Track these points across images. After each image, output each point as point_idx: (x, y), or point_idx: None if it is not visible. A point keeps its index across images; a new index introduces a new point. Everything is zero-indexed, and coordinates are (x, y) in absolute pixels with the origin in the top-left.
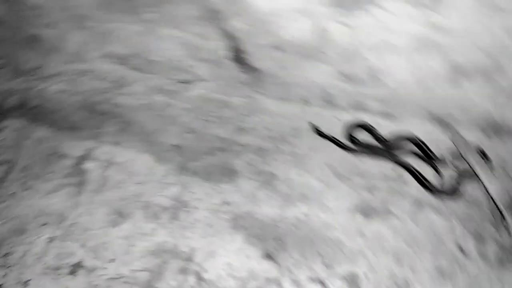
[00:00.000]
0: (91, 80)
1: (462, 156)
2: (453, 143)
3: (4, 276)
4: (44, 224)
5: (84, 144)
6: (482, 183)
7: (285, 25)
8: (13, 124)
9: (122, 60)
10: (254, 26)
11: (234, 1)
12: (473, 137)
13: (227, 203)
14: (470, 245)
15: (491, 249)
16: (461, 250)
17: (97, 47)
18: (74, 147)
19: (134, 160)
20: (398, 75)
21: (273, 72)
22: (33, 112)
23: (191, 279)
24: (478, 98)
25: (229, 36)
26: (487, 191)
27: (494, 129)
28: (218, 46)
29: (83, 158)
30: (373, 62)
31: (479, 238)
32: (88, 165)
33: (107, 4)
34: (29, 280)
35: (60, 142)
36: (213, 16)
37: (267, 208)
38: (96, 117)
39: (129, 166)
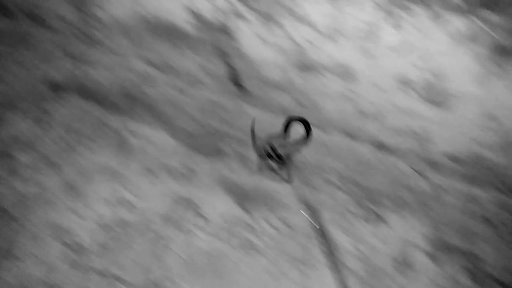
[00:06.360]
0: (127, 71)
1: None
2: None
3: None
4: None
5: (120, 119)
6: None
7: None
8: (67, 99)
9: (151, 63)
10: (248, 66)
11: (238, 51)
12: None
13: (216, 170)
14: None
15: None
16: None
17: (137, 52)
18: (114, 120)
19: (155, 135)
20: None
21: (257, 93)
22: (83, 90)
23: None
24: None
25: (231, 68)
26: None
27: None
28: (221, 70)
29: (120, 129)
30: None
31: None
32: (124, 133)
33: (155, 29)
34: None
35: (103, 115)
36: (223, 55)
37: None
38: (129, 100)
39: (151, 137)
